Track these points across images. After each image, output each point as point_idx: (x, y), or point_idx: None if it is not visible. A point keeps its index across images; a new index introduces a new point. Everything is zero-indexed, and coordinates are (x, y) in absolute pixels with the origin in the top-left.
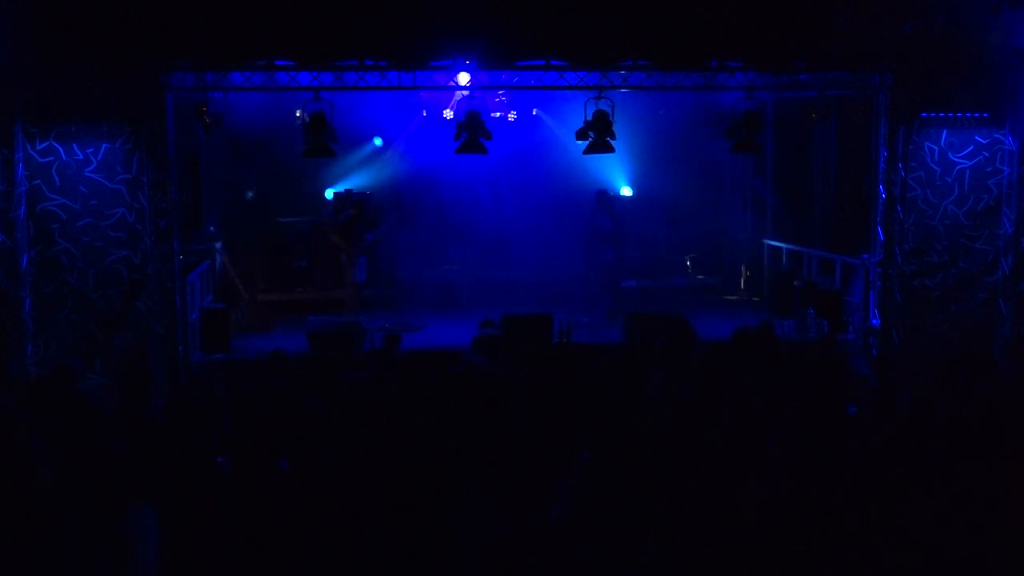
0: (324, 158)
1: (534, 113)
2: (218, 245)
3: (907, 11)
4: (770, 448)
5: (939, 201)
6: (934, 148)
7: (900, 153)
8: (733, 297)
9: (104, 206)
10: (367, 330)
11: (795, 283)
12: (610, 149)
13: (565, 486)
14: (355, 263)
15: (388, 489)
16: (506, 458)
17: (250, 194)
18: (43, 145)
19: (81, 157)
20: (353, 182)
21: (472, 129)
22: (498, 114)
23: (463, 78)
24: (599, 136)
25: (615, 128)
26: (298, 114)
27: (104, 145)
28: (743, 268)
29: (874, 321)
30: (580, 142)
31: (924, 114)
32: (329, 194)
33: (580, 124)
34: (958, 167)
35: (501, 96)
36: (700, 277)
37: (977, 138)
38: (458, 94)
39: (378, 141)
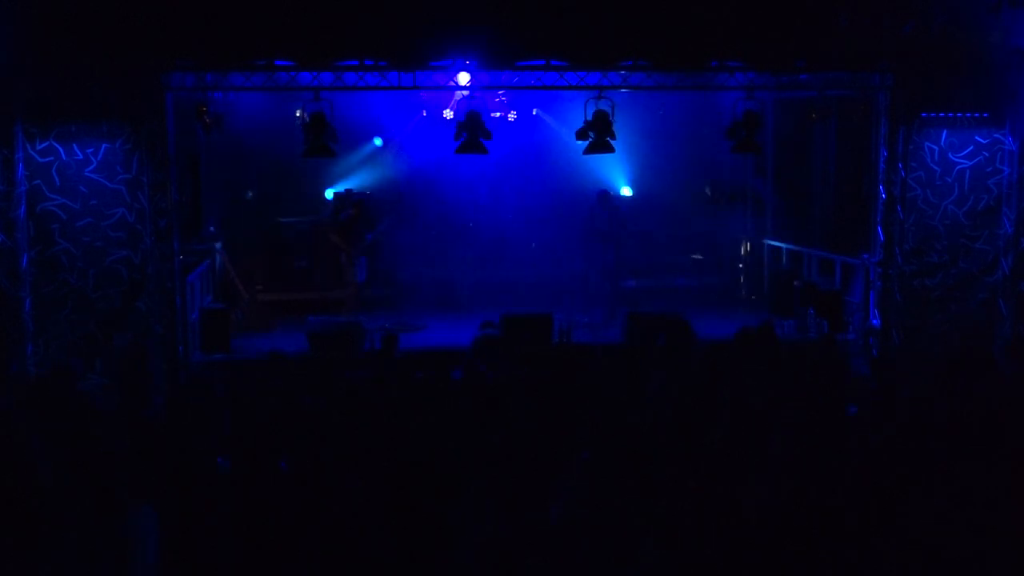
0: (324, 158)
1: (534, 113)
2: (218, 245)
3: (907, 11)
4: (770, 448)
5: (939, 201)
6: (934, 148)
7: (900, 153)
8: (733, 297)
9: (104, 206)
10: (367, 330)
11: (795, 283)
12: (610, 149)
13: (565, 486)
14: (355, 263)
15: (388, 489)
16: (506, 458)
17: (250, 194)
18: (43, 145)
19: (81, 157)
20: (353, 182)
21: (472, 129)
22: (498, 114)
23: (463, 78)
24: (599, 136)
25: (615, 128)
26: (298, 114)
27: (104, 145)
28: (743, 268)
29: (874, 321)
30: (580, 142)
31: (924, 114)
32: (329, 194)
33: (580, 124)
34: (958, 167)
35: (501, 96)
36: (701, 277)
37: (977, 138)
38: (458, 94)
39: (378, 141)
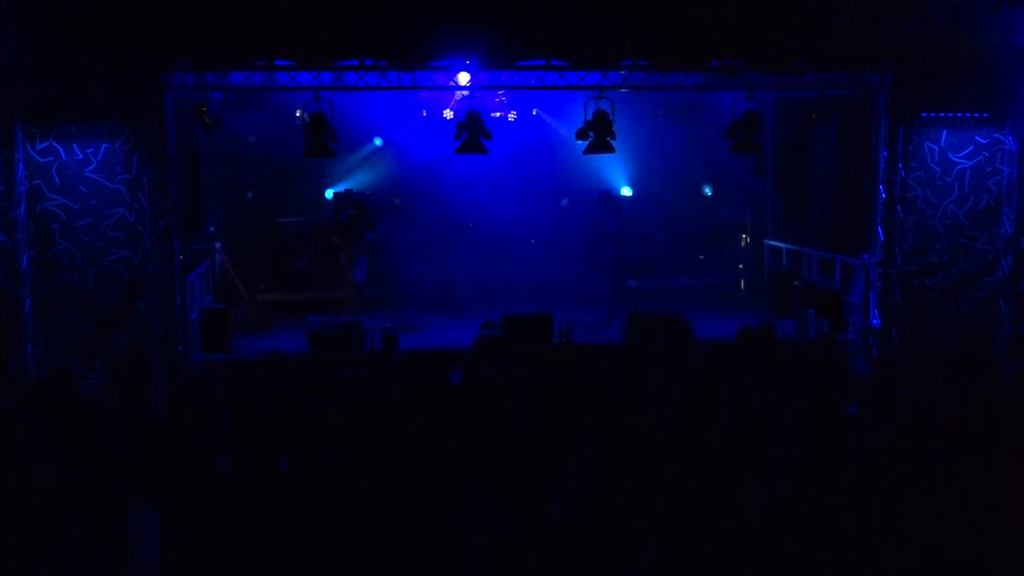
0: (324, 158)
1: (534, 113)
2: (218, 245)
3: (907, 11)
4: (770, 448)
5: (939, 201)
6: (934, 148)
7: (900, 153)
8: (733, 297)
9: (104, 206)
10: (367, 330)
11: (795, 283)
12: (610, 149)
13: (565, 486)
14: (355, 263)
15: (388, 489)
16: (506, 458)
17: (250, 194)
18: (43, 145)
19: (81, 157)
20: (353, 182)
21: (472, 129)
22: (498, 114)
23: (463, 78)
24: (599, 136)
25: (615, 128)
26: (298, 114)
27: (104, 145)
28: (743, 268)
29: (874, 321)
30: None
31: (924, 114)
32: (329, 194)
33: (580, 124)
34: (958, 167)
35: (501, 96)
36: (701, 277)
37: (977, 138)
38: (458, 94)
39: (378, 141)
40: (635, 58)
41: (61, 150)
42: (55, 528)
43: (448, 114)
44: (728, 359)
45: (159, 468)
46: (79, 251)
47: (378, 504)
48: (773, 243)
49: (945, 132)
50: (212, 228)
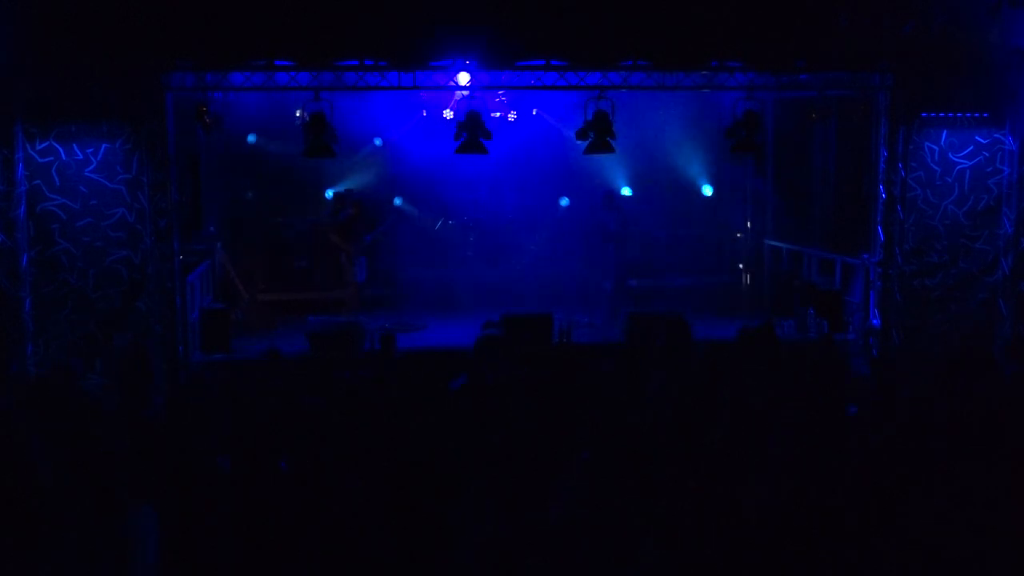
0: (324, 158)
1: (534, 113)
2: (218, 245)
3: (907, 11)
4: (770, 448)
5: (939, 201)
6: (934, 148)
7: (900, 153)
8: (733, 297)
9: (104, 206)
10: (367, 330)
11: (795, 283)
12: (610, 149)
13: (565, 486)
14: (355, 263)
15: (388, 489)
16: (506, 458)
17: (250, 194)
18: (43, 145)
19: (81, 157)
20: (353, 182)
21: (472, 129)
22: (498, 114)
23: (463, 78)
24: (599, 136)
25: (615, 128)
26: (298, 114)
27: (104, 145)
28: (743, 268)
29: (874, 321)
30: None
31: (924, 114)
32: (329, 194)
33: (580, 124)
34: (958, 167)
35: (501, 96)
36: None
37: (977, 138)
38: (458, 94)
39: (378, 141)
40: (635, 58)
41: (61, 150)
42: (55, 528)
43: (448, 114)
44: (728, 359)
45: (159, 468)
46: (79, 251)
47: (378, 504)
48: (773, 243)
49: (945, 132)
50: (212, 228)
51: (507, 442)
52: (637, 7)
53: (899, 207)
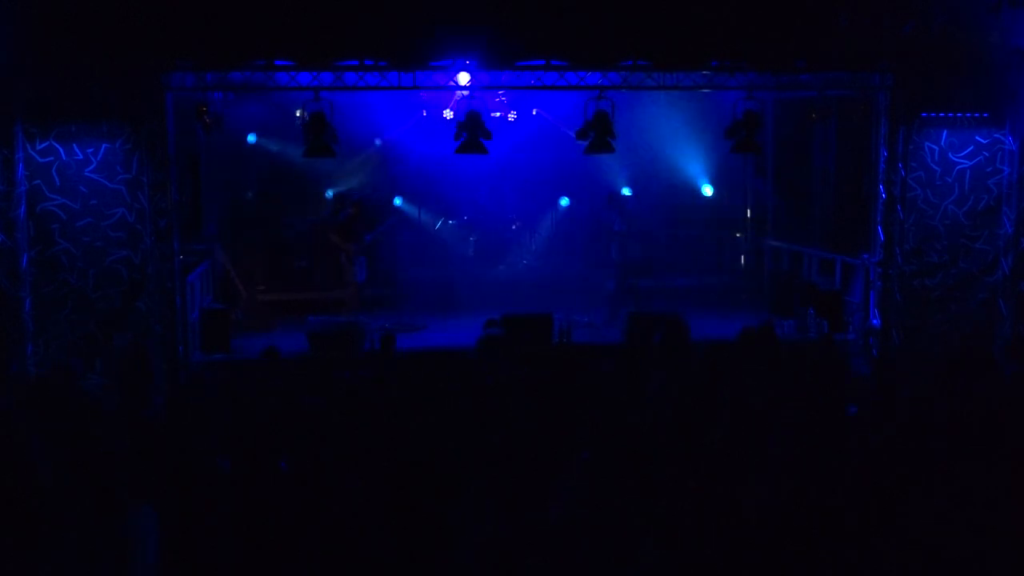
0: (324, 158)
1: (534, 113)
2: (218, 245)
3: (907, 11)
4: (770, 448)
5: (939, 201)
6: (934, 148)
7: (900, 153)
8: (733, 297)
9: (104, 206)
10: (367, 330)
11: (795, 283)
12: (610, 149)
13: (565, 486)
14: (355, 263)
15: (388, 489)
16: (506, 458)
17: (250, 194)
18: (43, 145)
19: (81, 157)
20: (353, 182)
21: (472, 129)
22: (498, 114)
23: (463, 78)
24: (599, 136)
25: (615, 128)
26: (298, 114)
27: (104, 145)
28: (743, 268)
29: (874, 321)
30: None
31: (924, 114)
32: (329, 194)
33: (580, 123)
34: (958, 167)
35: (501, 96)
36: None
37: (977, 138)
38: (458, 94)
39: (378, 142)
40: (635, 58)
41: (61, 150)
42: (55, 528)
43: (448, 114)
44: (728, 359)
45: (159, 468)
46: (79, 251)
47: (378, 504)
48: (773, 243)
49: (945, 132)
50: (212, 228)
51: (507, 442)
52: (637, 7)
53: (899, 207)
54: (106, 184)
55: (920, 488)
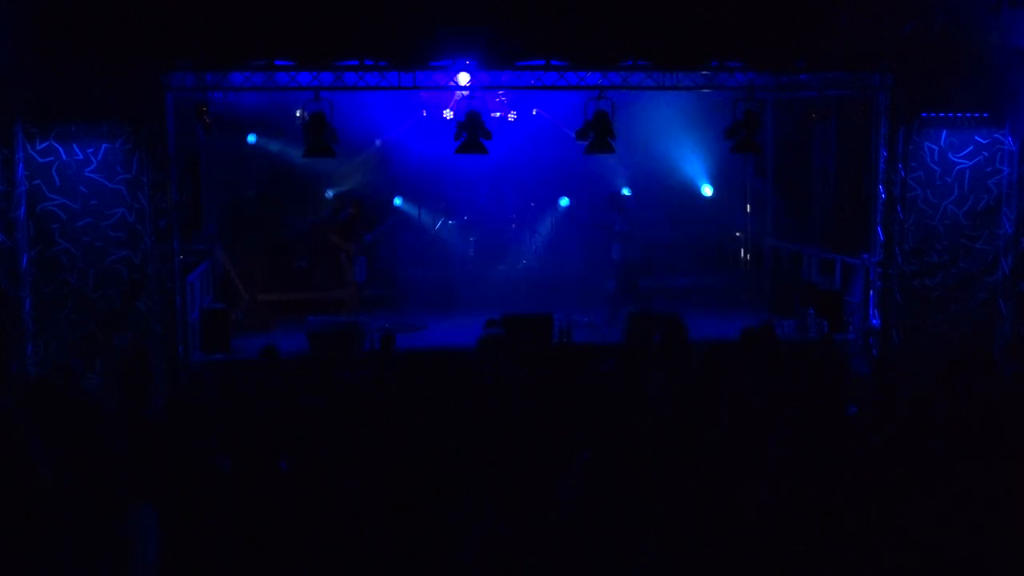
0: (324, 158)
1: (534, 113)
2: (218, 245)
3: (907, 11)
4: (770, 448)
5: (939, 201)
6: (934, 148)
7: (900, 153)
8: (733, 297)
9: (104, 206)
10: (367, 330)
11: (795, 283)
12: (610, 149)
13: (565, 486)
14: (355, 263)
15: (388, 489)
16: (506, 458)
17: (250, 194)
18: (43, 145)
19: (81, 157)
20: (353, 182)
21: (472, 129)
22: (498, 114)
23: (463, 78)
24: (599, 136)
25: (615, 128)
26: (298, 114)
27: (104, 145)
28: (743, 268)
29: (874, 321)
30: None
31: (924, 114)
32: (329, 194)
33: (580, 123)
34: (958, 167)
35: (501, 96)
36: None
37: (977, 138)
38: (458, 94)
39: (378, 142)
40: (635, 58)
41: (61, 150)
42: (55, 528)
43: (448, 114)
44: (728, 359)
45: (159, 468)
46: (79, 251)
47: (378, 504)
48: (773, 243)
49: (945, 132)
50: (212, 228)
51: (507, 442)
52: (637, 7)
53: (899, 207)
54: (106, 184)
55: (920, 488)
